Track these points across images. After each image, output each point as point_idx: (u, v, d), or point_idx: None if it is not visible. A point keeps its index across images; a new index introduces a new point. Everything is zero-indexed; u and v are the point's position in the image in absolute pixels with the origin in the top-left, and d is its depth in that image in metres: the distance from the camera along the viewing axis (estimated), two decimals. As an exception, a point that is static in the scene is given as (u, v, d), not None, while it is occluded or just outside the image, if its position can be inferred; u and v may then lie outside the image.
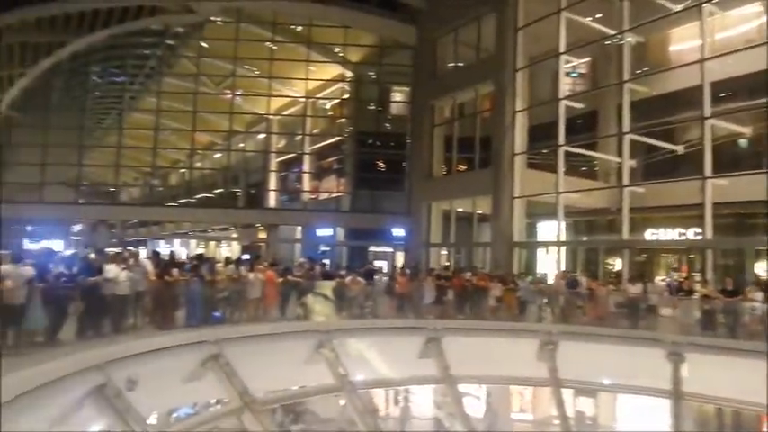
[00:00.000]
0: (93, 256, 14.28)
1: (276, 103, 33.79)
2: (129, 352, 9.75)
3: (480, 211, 24.15)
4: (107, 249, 17.19)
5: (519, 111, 21.92)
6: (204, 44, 32.72)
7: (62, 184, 34.64)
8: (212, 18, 31.28)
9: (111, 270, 10.98)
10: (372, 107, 32.74)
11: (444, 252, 27.16)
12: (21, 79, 31.07)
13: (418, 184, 27.58)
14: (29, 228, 36.88)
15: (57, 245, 31.94)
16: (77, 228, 39.36)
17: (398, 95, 32.83)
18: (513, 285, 16.52)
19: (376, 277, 17.20)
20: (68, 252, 22.99)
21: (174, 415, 12.88)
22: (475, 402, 17.63)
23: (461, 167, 26.02)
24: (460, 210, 25.57)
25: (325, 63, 32.09)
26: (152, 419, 10.92)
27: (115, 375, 8.87)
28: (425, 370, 14.35)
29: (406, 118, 30.36)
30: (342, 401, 14.95)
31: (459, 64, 26.31)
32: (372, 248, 30.95)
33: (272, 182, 34.86)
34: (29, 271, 9.86)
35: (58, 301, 9.84)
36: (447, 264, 24.85)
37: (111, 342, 9.97)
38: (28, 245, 31.50)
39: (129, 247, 26.58)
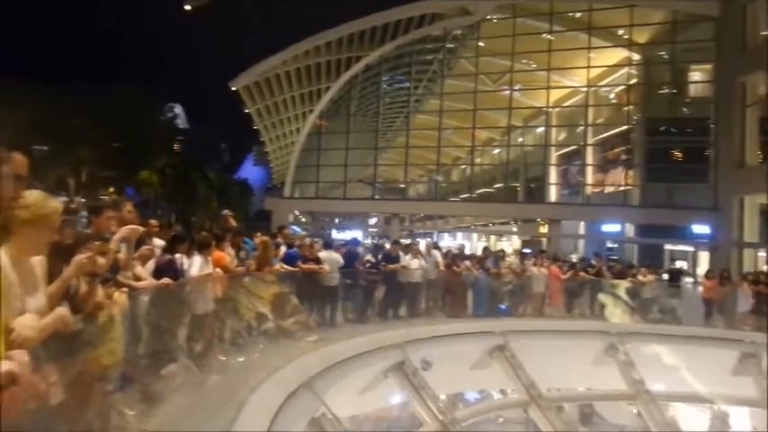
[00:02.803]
0: (387, 246, 15.79)
1: (555, 94, 32.87)
2: (424, 335, 10.43)
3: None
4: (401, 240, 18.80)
5: None
6: (481, 43, 33.54)
7: (360, 181, 39.38)
8: (488, 17, 31.88)
9: (407, 259, 11.95)
10: (665, 90, 29.42)
11: (763, 254, 22.87)
12: (327, 92, 36.18)
13: (727, 174, 23.81)
14: (336, 220, 42.88)
15: (356, 235, 36.45)
16: (373, 220, 44.10)
17: (697, 75, 29.01)
18: None
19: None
20: (369, 242, 25.70)
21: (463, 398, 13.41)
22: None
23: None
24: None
25: (609, 48, 30.04)
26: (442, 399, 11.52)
27: (412, 355, 9.55)
28: (740, 389, 12.22)
29: (709, 99, 26.64)
30: (634, 410, 13.67)
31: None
32: (668, 247, 27.76)
33: (553, 175, 33.98)
34: (339, 257, 11.37)
35: (365, 285, 11.11)
36: None
37: (408, 324, 10.86)
38: (335, 235, 36.42)
39: (416, 239, 28.77)
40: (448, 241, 37.96)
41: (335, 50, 35.44)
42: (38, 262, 2.75)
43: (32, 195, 2.53)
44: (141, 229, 5.35)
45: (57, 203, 2.67)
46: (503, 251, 16.46)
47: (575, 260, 17.99)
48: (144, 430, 4.66)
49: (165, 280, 5.99)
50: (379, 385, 8.88)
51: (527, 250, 17.05)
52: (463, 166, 42.36)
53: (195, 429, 4.91)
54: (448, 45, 35.28)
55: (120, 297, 4.46)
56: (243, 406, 5.33)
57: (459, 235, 42.64)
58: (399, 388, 9.23)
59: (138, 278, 5.45)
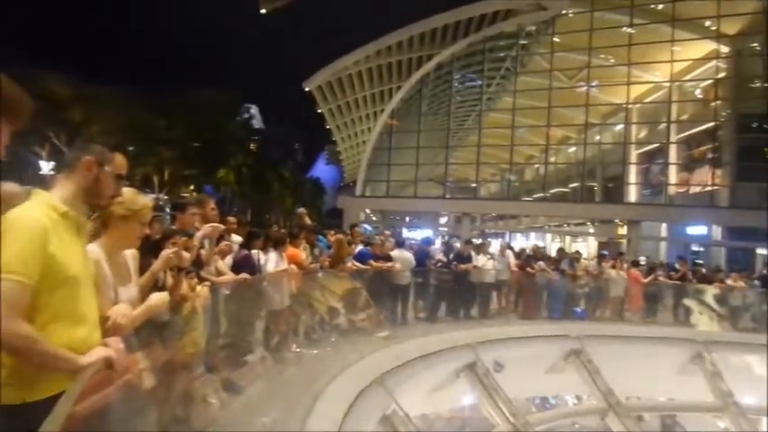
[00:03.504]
0: (458, 245, 15.66)
1: (636, 90, 31.48)
2: (496, 336, 10.25)
3: None
4: (472, 240, 18.61)
5: None
6: (556, 39, 32.63)
7: (431, 180, 39.28)
8: (564, 12, 30.96)
9: (480, 259, 11.79)
10: (757, 84, 27.52)
11: None
12: (398, 91, 36.29)
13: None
14: (406, 218, 42.97)
15: (426, 234, 36.37)
16: (443, 219, 43.85)
17: (795, 68, 26.88)
18: None
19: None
20: (440, 241, 25.58)
21: (536, 402, 13.11)
22: None
23: None
24: None
25: (695, 40, 28.38)
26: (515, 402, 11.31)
27: (484, 356, 9.42)
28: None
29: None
30: (721, 423, 12.89)
31: None
32: (761, 251, 25.92)
33: (633, 175, 32.53)
34: (411, 256, 11.36)
35: (437, 284, 11.05)
36: None
37: (479, 325, 10.72)
38: (406, 233, 36.52)
39: (488, 239, 28.38)
40: (520, 241, 37.22)
41: (407, 50, 35.52)
42: (130, 255, 2.91)
43: (125, 192, 2.66)
44: (222, 227, 5.55)
45: (147, 200, 2.81)
46: (578, 252, 15.90)
47: (642, 262, 17.10)
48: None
49: (243, 275, 6.18)
50: (450, 385, 8.82)
51: (604, 252, 16.33)
52: (537, 165, 41.32)
53: (273, 418, 5.05)
54: (521, 41, 34.58)
55: (203, 290, 4.63)
56: (318, 398, 5.44)
57: (532, 235, 41.66)
58: (471, 389, 9.14)
59: (218, 272, 5.66)
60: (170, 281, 3.95)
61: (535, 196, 37.79)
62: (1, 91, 1.01)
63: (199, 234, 4.95)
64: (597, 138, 35.43)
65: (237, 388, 5.41)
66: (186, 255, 4.18)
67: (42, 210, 2.01)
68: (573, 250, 17.11)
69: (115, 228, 2.66)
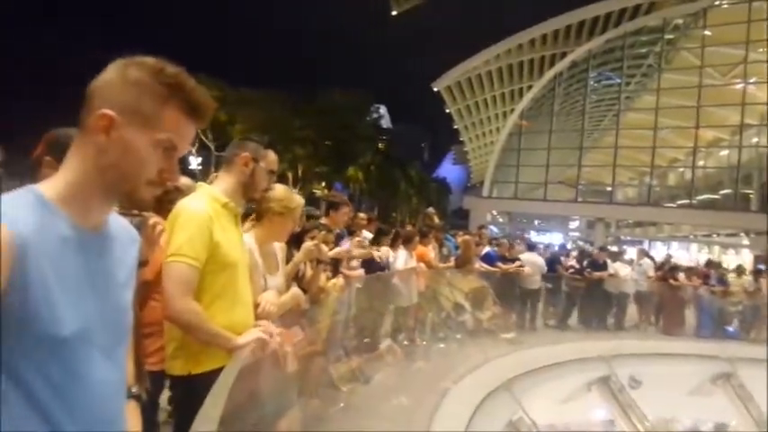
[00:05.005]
0: (592, 251, 14.85)
1: (803, 87, 27.91)
2: (632, 350, 9.63)
3: None
4: (607, 246, 17.59)
5: None
6: (708, 32, 29.86)
7: (561, 183, 37.71)
8: (716, 3, 28.24)
9: (616, 267, 11.12)
10: None
11: None
12: (529, 90, 35.25)
13: None
14: (535, 222, 41.67)
15: (556, 239, 34.99)
16: (574, 224, 41.94)
17: None
18: None
19: None
20: (572, 246, 24.54)
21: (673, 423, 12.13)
22: None
23: None
24: None
25: None
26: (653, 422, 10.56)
27: (619, 371, 8.90)
28: None
29: None
30: None
31: None
32: None
33: (797, 181, 28.93)
34: (541, 260, 10.97)
35: (569, 291, 10.58)
36: None
37: (614, 337, 10.11)
38: (534, 237, 35.47)
39: (623, 246, 26.64)
40: (661, 250, 34.48)
41: (539, 47, 34.51)
42: (278, 247, 3.10)
43: (280, 189, 2.84)
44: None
45: (301, 199, 2.99)
46: (740, 266, 14.31)
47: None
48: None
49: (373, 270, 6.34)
50: (581, 398, 8.43)
51: (762, 266, 14.66)
52: (682, 169, 38.02)
53: (400, 409, 5.15)
54: (667, 36, 32.19)
55: (338, 283, 4.82)
56: (445, 395, 5.45)
57: (675, 245, 38.39)
58: (603, 403, 8.67)
59: (350, 267, 5.86)
60: (309, 272, 4.15)
61: (679, 202, 34.83)
62: (192, 93, 1.09)
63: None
64: (755, 140, 31.86)
65: (366, 377, 5.57)
66: (325, 248, 4.37)
67: (207, 201, 2.21)
68: (723, 263, 15.56)
69: (270, 222, 2.85)
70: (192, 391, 2.01)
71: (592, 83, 35.74)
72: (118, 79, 1.06)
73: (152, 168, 1.08)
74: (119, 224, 1.21)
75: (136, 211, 1.69)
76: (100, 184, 1.06)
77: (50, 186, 1.05)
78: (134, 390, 1.33)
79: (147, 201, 1.11)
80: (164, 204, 2.19)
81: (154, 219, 2.17)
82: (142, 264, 1.88)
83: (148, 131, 1.06)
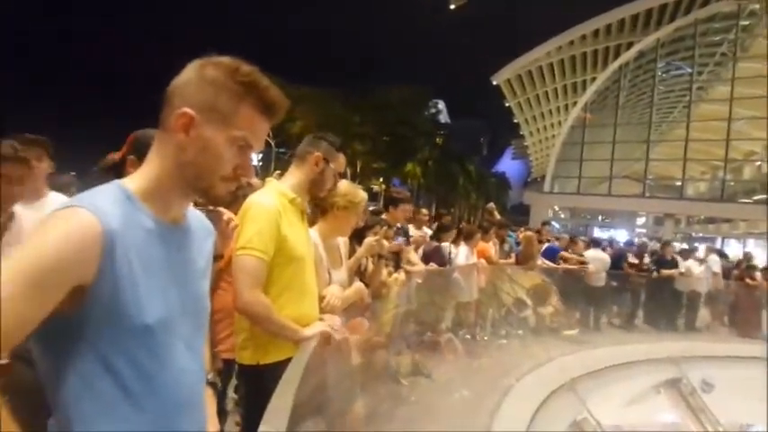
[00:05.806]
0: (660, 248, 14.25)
1: None
2: (704, 352, 9.20)
3: None
4: (675, 243, 16.84)
5: None
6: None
7: (627, 177, 36.37)
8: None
9: (687, 265, 10.64)
10: None
11: None
12: (593, 83, 34.12)
13: None
14: (599, 217, 40.36)
15: (621, 235, 33.76)
16: (641, 220, 40.38)
17: None
18: None
19: None
20: (640, 242, 23.63)
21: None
22: None
23: None
24: None
25: None
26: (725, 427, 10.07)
27: (690, 373, 8.53)
28: None
29: None
30: None
31: None
32: None
33: None
34: (607, 257, 10.62)
35: (635, 290, 10.21)
36: None
37: (684, 338, 9.69)
38: (597, 233, 34.37)
39: (694, 243, 25.44)
40: (735, 248, 32.65)
41: (603, 38, 33.37)
42: (342, 241, 3.14)
43: (344, 184, 2.88)
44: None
45: (364, 194, 3.02)
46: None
47: None
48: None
49: (433, 266, 6.33)
50: (649, 400, 8.13)
51: None
52: (759, 163, 35.88)
53: (462, 405, 5.12)
54: (742, 23, 30.36)
55: (399, 278, 4.84)
56: (507, 393, 5.39)
57: (751, 242, 36.30)
58: (673, 407, 8.33)
59: (411, 263, 5.87)
60: (371, 267, 4.19)
61: (755, 198, 32.89)
62: (266, 92, 1.12)
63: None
64: None
65: (428, 371, 5.58)
66: (386, 243, 4.40)
67: (275, 196, 2.27)
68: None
69: (334, 216, 2.89)
70: (259, 380, 2.09)
71: (660, 73, 34.28)
72: (196, 79, 1.10)
73: (228, 165, 1.11)
74: (196, 218, 1.26)
75: (211, 207, 1.76)
76: (179, 179, 1.11)
77: (134, 182, 1.11)
78: (209, 377, 1.38)
79: (222, 196, 1.14)
80: (237, 199, 2.26)
81: (228, 214, 2.25)
82: (217, 258, 1.96)
83: (225, 129, 1.10)
